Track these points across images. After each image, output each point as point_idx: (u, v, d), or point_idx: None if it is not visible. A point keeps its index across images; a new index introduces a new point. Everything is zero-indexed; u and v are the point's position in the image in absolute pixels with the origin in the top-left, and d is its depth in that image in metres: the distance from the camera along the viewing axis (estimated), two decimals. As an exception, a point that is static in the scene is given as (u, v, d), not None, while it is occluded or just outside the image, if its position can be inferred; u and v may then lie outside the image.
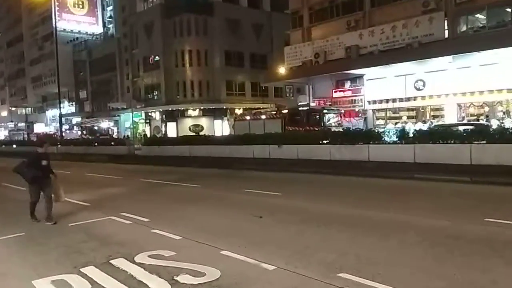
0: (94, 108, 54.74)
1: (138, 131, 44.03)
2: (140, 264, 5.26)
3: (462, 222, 6.85)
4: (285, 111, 23.47)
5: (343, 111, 24.10)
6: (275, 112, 24.08)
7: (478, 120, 20.40)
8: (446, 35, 21.92)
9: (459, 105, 22.03)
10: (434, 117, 23.57)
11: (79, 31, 59.45)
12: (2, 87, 77.08)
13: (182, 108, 41.66)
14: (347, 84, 27.01)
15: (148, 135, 39.83)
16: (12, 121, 69.95)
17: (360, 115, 25.71)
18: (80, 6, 60.50)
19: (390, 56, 22.91)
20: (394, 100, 24.02)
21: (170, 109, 41.86)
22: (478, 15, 21.93)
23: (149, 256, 5.55)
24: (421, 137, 13.63)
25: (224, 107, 41.20)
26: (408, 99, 23.41)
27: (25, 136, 56.62)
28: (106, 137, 41.85)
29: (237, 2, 43.56)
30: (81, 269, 5.18)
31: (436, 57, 20.70)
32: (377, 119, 25.79)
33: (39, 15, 61.21)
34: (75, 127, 55.85)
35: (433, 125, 18.19)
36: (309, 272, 4.78)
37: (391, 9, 24.11)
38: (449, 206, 8.30)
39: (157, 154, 23.45)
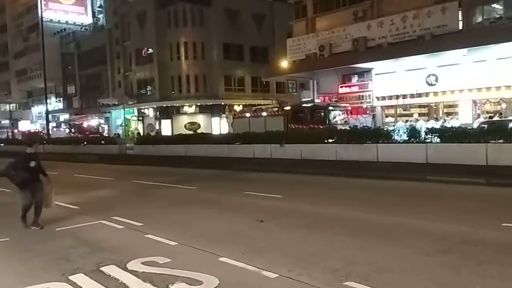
0: (83, 104, 54.73)
1: (130, 129, 44.05)
2: (132, 272, 5.26)
3: (477, 227, 6.85)
4: (288, 107, 23.48)
5: (349, 108, 24.09)
6: (277, 109, 24.11)
7: (492, 117, 20.38)
8: (460, 27, 21.88)
9: (474, 101, 22.02)
10: (448, 114, 23.57)
11: (67, 22, 59.43)
12: (-16, 81, 77.16)
13: (177, 105, 41.67)
14: (354, 79, 27.00)
15: (141, 133, 39.84)
16: (-6, 118, 70.07)
17: (368, 112, 25.70)
18: (68, -5, 60.52)
19: (400, 48, 22.89)
20: (404, 96, 23.99)
21: (164, 105, 41.87)
22: (494, 5, 21.89)
23: (142, 263, 5.55)
24: (433, 136, 13.64)
25: (222, 104, 41.21)
26: (419, 95, 23.38)
27: (9, 134, 56.68)
28: (96, 135, 41.89)
29: (236, -9, 43.58)
30: (70, 277, 5.18)
31: (450, 50, 20.67)
32: (386, 116, 25.78)
33: (24, 5, 61.20)
34: (62, 124, 55.89)
35: (482, 121, 18.05)
36: (314, 280, 4.78)
37: (402, -2, 24.09)
38: (463, 210, 8.31)
39: (150, 153, 23.46)
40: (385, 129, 16.20)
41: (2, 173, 7.84)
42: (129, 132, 41.70)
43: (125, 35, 46.25)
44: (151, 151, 23.59)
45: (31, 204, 7.87)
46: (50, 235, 7.44)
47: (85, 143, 30.35)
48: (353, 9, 26.32)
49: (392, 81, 24.36)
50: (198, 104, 41.38)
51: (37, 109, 61.27)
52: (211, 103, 41.35)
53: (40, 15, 43.12)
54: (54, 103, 58.77)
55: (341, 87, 27.16)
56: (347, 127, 18.66)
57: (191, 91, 41.87)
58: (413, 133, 14.24)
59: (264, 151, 18.04)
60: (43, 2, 47.32)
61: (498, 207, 8.57)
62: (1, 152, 29.38)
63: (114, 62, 48.49)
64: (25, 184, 7.71)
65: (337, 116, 22.38)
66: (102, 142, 30.29)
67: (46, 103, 43.38)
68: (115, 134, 42.17)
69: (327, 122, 21.28)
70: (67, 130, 51.63)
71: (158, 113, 42.82)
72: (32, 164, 7.80)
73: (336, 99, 26.69)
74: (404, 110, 25.36)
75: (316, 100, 27.53)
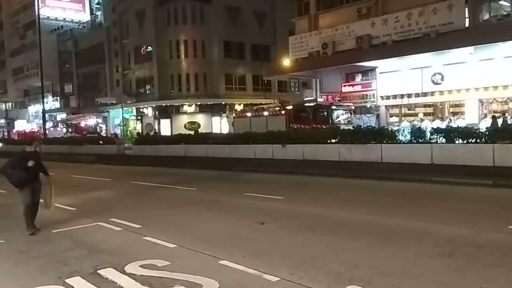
0: (81, 103, 54.77)
1: (129, 128, 44.09)
2: (130, 275, 5.27)
3: (483, 229, 6.84)
4: (290, 107, 23.44)
5: (353, 107, 24.08)
6: (278, 108, 24.05)
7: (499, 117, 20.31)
8: (467, 24, 21.84)
9: (480, 101, 21.98)
10: (454, 114, 23.53)
11: (64, 19, 59.47)
12: (-21, 80, 77.33)
13: (177, 104, 41.69)
14: (358, 78, 26.96)
15: (141, 133, 39.87)
16: (-10, 118, 70.18)
17: (372, 111, 25.68)
18: (66, -9, 60.58)
19: (405, 46, 22.83)
20: (409, 96, 23.96)
21: (163, 104, 41.88)
22: (502, 2, 21.84)
23: (140, 266, 5.57)
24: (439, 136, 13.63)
25: (223, 103, 41.19)
26: (424, 94, 23.34)
27: (5, 133, 56.79)
28: (94, 135, 41.92)
29: (237, -12, 43.59)
30: (66, 280, 5.19)
31: (456, 48, 20.62)
32: (391, 116, 25.74)
33: (20, 2, 61.28)
34: (59, 124, 55.94)
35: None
36: (316, 284, 4.78)
37: (407, -5, 24.05)
38: (469, 212, 8.30)
39: (149, 154, 23.49)
40: (390, 129, 16.20)
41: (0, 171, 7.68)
42: (128, 132, 41.73)
43: (124, 33, 46.28)
44: (150, 151, 23.62)
45: (32, 202, 7.72)
46: (47, 237, 7.45)
47: (83, 143, 30.41)
48: (357, 6, 26.28)
49: (396, 80, 24.32)
50: (198, 103, 41.38)
51: (34, 108, 61.36)
52: (211, 102, 41.35)
53: (37, 12, 43.16)
54: (51, 102, 58.84)
55: (345, 86, 27.13)
56: (351, 127, 18.68)
57: (191, 90, 41.88)
58: (418, 133, 14.24)
59: (266, 151, 18.05)
60: (40, -1, 47.34)
61: (505, 209, 8.57)
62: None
63: (113, 60, 48.52)
64: (22, 183, 7.56)
65: (340, 116, 22.38)
66: (100, 142, 30.36)
67: (43, 102, 43.42)
68: (112, 134, 42.18)
69: (330, 122, 21.27)
70: (64, 130, 51.66)
71: (157, 112, 42.84)
72: (30, 163, 7.62)
73: (339, 98, 26.66)
74: (409, 110, 25.32)
75: (319, 99, 27.46)
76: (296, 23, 30.45)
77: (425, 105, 24.79)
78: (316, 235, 6.91)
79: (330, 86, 28.10)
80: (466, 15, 21.87)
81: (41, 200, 8.11)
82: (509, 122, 17.86)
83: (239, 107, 38.12)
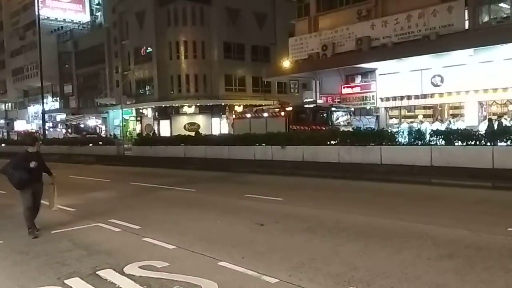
0: (80, 104, 54.82)
1: (128, 129, 44.08)
2: (129, 276, 5.27)
3: (483, 231, 6.84)
4: (290, 108, 23.47)
5: (353, 109, 24.10)
6: (278, 109, 24.09)
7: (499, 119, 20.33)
8: (467, 26, 21.89)
9: (480, 103, 22.01)
10: (453, 116, 23.55)
11: (64, 20, 59.51)
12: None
13: (177, 105, 41.70)
14: (358, 80, 27.00)
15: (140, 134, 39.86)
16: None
17: (372, 113, 25.70)
18: (66, -8, 60.62)
19: (405, 48, 22.88)
20: (409, 97, 24.00)
21: (163, 105, 41.91)
22: (501, 4, 21.89)
23: (139, 267, 5.56)
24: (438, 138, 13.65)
25: (223, 104, 41.22)
26: (424, 96, 23.39)
27: (5, 134, 56.77)
28: (93, 136, 41.93)
29: (237, -11, 43.65)
30: (65, 281, 5.19)
31: (456, 50, 20.67)
32: (391, 118, 25.78)
33: (20, 2, 61.31)
34: (59, 124, 55.93)
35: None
36: (315, 285, 4.79)
37: (407, -3, 24.09)
38: (468, 214, 8.30)
39: (149, 155, 23.50)
40: (389, 131, 16.21)
41: (1, 171, 7.53)
42: (127, 132, 41.72)
43: (124, 33, 46.31)
44: (149, 152, 23.62)
45: (33, 204, 7.59)
46: (46, 238, 7.44)
47: (82, 144, 30.41)
48: (357, 8, 26.33)
49: (396, 82, 24.36)
50: (198, 104, 41.40)
51: (33, 109, 61.35)
52: (211, 104, 41.38)
53: (37, 13, 43.17)
54: (51, 103, 58.85)
55: (344, 87, 27.16)
56: (350, 129, 18.68)
57: (190, 91, 41.90)
58: (417, 135, 14.25)
59: (265, 152, 18.07)
60: (40, 0, 47.37)
61: (505, 211, 8.57)
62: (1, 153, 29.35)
63: (112, 61, 48.54)
64: (23, 184, 7.43)
65: (340, 118, 22.39)
66: (100, 143, 30.36)
67: (43, 103, 43.48)
68: (110, 135, 42.17)
69: (330, 124, 21.29)
70: (64, 131, 51.64)
71: (157, 113, 42.85)
72: (32, 164, 7.47)
73: (339, 100, 26.69)
74: (408, 112, 25.35)
75: (319, 101, 27.53)
76: (296, 25, 30.50)
77: (424, 107, 24.82)
78: (315, 237, 6.91)
79: (330, 87, 28.13)
80: (466, 17, 21.92)
81: (44, 202, 8.04)
82: (506, 124, 17.84)
83: (238, 108, 38.14)
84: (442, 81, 22.65)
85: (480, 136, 13.05)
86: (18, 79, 64.10)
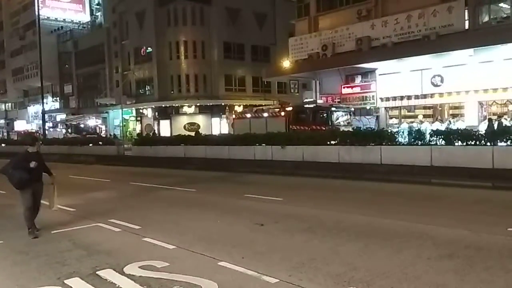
0: (80, 104, 54.81)
1: (128, 129, 44.07)
2: (129, 276, 5.27)
3: (483, 231, 6.84)
4: (290, 108, 23.47)
5: (353, 109, 24.10)
6: (278, 109, 24.09)
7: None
8: (467, 26, 21.89)
9: (480, 103, 22.00)
10: (453, 116, 23.55)
11: (64, 20, 59.51)
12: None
13: (177, 105, 41.70)
14: (358, 79, 27.00)
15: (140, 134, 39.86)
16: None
17: (372, 113, 25.69)
18: (66, -8, 60.62)
19: (405, 48, 22.88)
20: (409, 97, 24.00)
21: (163, 105, 41.90)
22: (501, 4, 21.88)
23: (139, 267, 5.56)
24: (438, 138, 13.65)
25: (223, 104, 41.23)
26: (424, 96, 23.38)
27: (5, 134, 56.77)
28: (93, 136, 41.93)
29: (237, -11, 43.64)
30: (65, 281, 5.19)
31: (456, 50, 20.66)
32: (391, 118, 25.78)
33: (20, 2, 61.31)
34: (59, 124, 55.96)
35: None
36: (315, 286, 4.79)
37: (407, -3, 24.09)
38: (468, 214, 8.30)
39: (149, 155, 23.50)
40: (389, 131, 16.21)
41: (1, 171, 7.51)
42: (127, 132, 41.71)
43: (124, 33, 46.31)
44: (149, 153, 23.62)
45: (33, 205, 7.58)
46: (46, 238, 7.43)
47: (82, 144, 30.41)
48: (357, 8, 26.32)
49: (396, 82, 24.36)
50: (198, 104, 41.40)
51: (33, 109, 61.36)
52: (211, 104, 41.37)
53: (37, 13, 43.16)
54: (51, 103, 58.86)
55: (344, 87, 27.15)
56: (350, 129, 18.68)
57: (190, 91, 41.90)
58: (417, 135, 14.25)
59: (265, 152, 18.07)
60: (40, 0, 47.38)
61: (505, 211, 8.57)
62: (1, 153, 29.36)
63: (112, 61, 48.54)
64: (23, 184, 7.41)
65: (340, 117, 22.39)
66: (100, 143, 30.36)
67: (43, 103, 43.46)
68: (110, 135, 42.17)
69: (330, 124, 21.29)
70: (64, 131, 51.64)
71: (157, 113, 42.85)
72: (32, 164, 7.45)
73: (339, 100, 26.68)
74: (408, 112, 25.35)
75: (319, 101, 27.52)
76: (296, 25, 30.50)
77: (424, 107, 24.82)
78: (315, 237, 6.91)
79: (330, 87, 28.13)
80: (466, 17, 21.92)
81: (44, 202, 8.04)
82: (506, 124, 17.84)
83: (238, 108, 38.13)
84: (442, 81, 22.65)
85: (480, 136, 13.06)
86: (18, 79, 64.11)
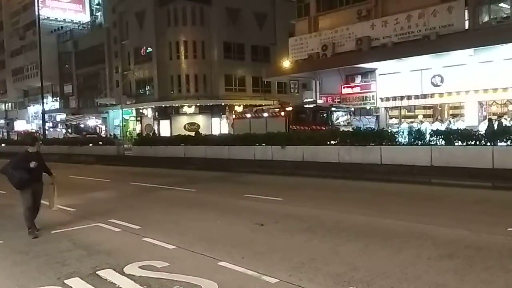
0: (80, 104, 54.80)
1: (128, 129, 44.07)
2: (129, 276, 5.27)
3: (483, 231, 6.84)
4: (290, 108, 23.47)
5: (353, 109, 24.10)
6: (278, 109, 24.09)
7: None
8: (467, 26, 21.89)
9: (480, 103, 22.00)
10: (453, 116, 23.55)
11: (64, 20, 59.49)
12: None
13: (177, 105, 41.70)
14: (358, 79, 26.99)
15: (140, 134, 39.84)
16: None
17: (372, 113, 25.69)
18: (66, -8, 60.61)
19: (405, 48, 22.88)
20: (409, 97, 24.00)
21: (163, 105, 41.90)
22: (501, 4, 21.89)
23: (139, 267, 5.56)
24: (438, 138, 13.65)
25: (223, 104, 41.22)
26: (424, 96, 23.38)
27: (5, 134, 56.75)
28: (93, 136, 41.93)
29: (237, -11, 43.62)
30: (65, 281, 5.19)
31: (456, 50, 20.66)
32: (391, 118, 25.77)
33: (20, 2, 61.30)
34: (59, 124, 55.95)
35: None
36: (315, 286, 4.79)
37: (407, -3, 24.09)
38: (468, 214, 8.30)
39: (149, 155, 23.50)
40: (389, 131, 16.21)
41: (1, 171, 7.50)
42: (127, 132, 41.71)
43: (124, 33, 46.29)
44: (149, 153, 23.62)
45: (33, 205, 7.56)
46: (46, 238, 7.43)
47: (82, 144, 30.41)
48: (357, 8, 26.32)
49: (396, 82, 24.35)
50: (198, 104, 41.39)
51: (33, 109, 61.35)
52: (211, 104, 41.36)
53: (37, 13, 43.16)
54: (51, 103, 58.85)
55: (344, 87, 27.15)
56: (350, 129, 18.68)
57: (190, 91, 41.89)
58: (417, 135, 14.25)
59: (265, 152, 18.07)
60: (40, 0, 47.37)
61: (505, 211, 8.57)
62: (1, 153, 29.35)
63: (112, 61, 48.52)
64: (23, 184, 7.40)
65: (340, 117, 22.38)
66: (100, 143, 30.37)
67: (43, 103, 43.45)
68: (110, 135, 42.17)
69: (330, 124, 21.29)
70: (64, 131, 51.63)
71: (157, 113, 42.83)
72: (32, 164, 7.44)
73: (339, 100, 26.68)
74: (408, 112, 25.34)
75: (319, 101, 27.52)
76: (296, 25, 30.50)
77: (424, 107, 24.82)
78: (315, 237, 6.91)
79: (330, 87, 28.13)
80: (466, 17, 21.92)
81: (44, 202, 8.04)
82: (506, 124, 17.84)
83: (238, 108, 38.13)
84: (442, 81, 22.64)
85: (480, 136, 13.06)
86: (18, 79, 64.10)
